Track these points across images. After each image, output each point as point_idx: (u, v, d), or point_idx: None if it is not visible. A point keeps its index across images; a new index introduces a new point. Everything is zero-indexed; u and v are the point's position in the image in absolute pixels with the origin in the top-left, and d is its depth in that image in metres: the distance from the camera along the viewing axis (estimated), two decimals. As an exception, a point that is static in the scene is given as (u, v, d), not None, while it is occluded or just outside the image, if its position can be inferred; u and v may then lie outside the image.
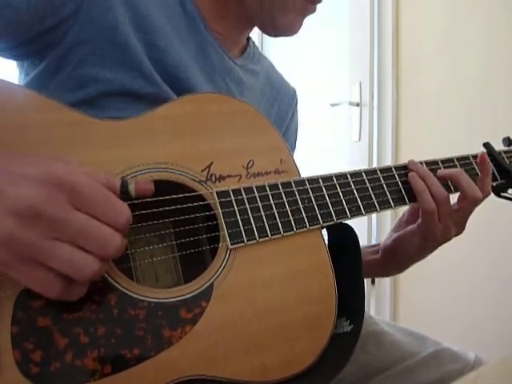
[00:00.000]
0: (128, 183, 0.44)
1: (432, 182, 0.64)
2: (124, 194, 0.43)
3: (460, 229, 0.67)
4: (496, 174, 0.73)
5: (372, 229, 1.88)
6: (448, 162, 0.69)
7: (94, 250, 0.39)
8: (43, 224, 0.37)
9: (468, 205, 0.65)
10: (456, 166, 0.69)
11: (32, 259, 0.38)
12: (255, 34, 0.82)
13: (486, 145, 0.75)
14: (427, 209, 0.63)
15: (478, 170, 0.70)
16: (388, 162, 1.83)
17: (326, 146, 2.06)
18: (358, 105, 1.95)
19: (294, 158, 0.61)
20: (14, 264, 0.38)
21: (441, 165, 0.68)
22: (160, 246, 0.55)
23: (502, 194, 0.71)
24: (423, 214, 0.64)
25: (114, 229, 0.40)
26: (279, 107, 0.82)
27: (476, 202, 0.65)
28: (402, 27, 1.84)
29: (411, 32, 1.82)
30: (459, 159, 0.71)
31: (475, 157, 0.72)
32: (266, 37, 2.40)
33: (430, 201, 0.63)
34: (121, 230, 0.41)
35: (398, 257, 0.71)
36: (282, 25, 0.67)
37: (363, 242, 1.84)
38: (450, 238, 0.67)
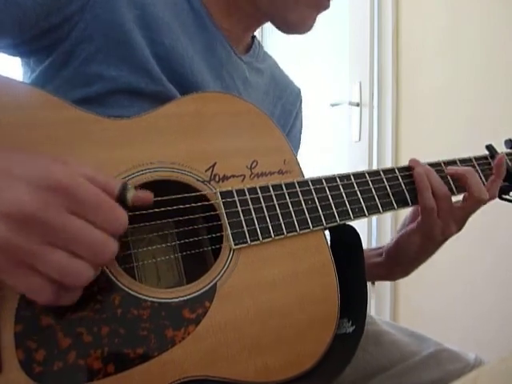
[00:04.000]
0: (127, 190, 0.41)
1: (434, 178, 0.64)
2: (121, 198, 0.41)
3: (460, 226, 0.67)
4: None
5: (372, 229, 1.88)
6: (466, 162, 0.70)
7: (87, 256, 0.38)
8: (37, 229, 0.36)
9: (472, 205, 0.66)
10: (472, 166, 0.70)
11: (24, 264, 0.37)
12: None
13: (489, 147, 0.75)
14: (426, 206, 0.64)
15: (491, 171, 0.70)
16: (388, 162, 1.83)
17: (326, 146, 2.06)
18: (358, 105, 1.94)
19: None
20: (6, 268, 0.37)
21: (459, 164, 0.69)
22: (162, 245, 0.55)
23: (504, 196, 0.71)
24: (422, 211, 0.65)
25: (110, 234, 0.39)
26: (283, 106, 0.82)
27: (481, 203, 0.66)
28: (402, 27, 1.84)
29: (411, 32, 1.82)
30: (477, 159, 0.72)
31: (478, 158, 0.72)
32: (265, 37, 2.39)
33: (430, 198, 0.64)
34: (116, 236, 0.40)
35: (400, 259, 0.71)
36: (294, 21, 0.66)
37: (363, 243, 1.83)
38: (450, 235, 0.67)
